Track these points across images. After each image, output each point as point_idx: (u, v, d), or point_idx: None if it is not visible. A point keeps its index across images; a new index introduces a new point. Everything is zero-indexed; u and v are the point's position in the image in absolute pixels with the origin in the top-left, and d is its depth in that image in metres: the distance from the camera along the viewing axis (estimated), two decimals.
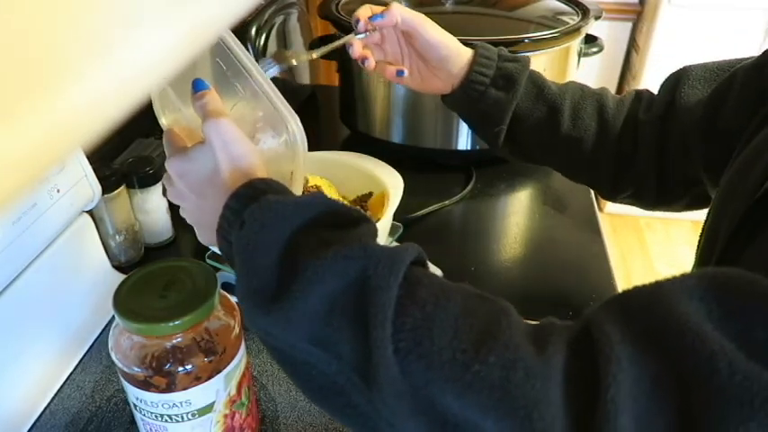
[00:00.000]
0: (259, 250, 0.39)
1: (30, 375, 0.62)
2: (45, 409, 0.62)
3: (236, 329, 0.51)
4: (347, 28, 0.95)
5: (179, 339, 0.47)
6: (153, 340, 0.47)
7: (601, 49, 1.05)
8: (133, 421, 0.56)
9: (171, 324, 0.46)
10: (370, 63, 0.65)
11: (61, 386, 0.64)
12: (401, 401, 0.34)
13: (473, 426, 0.32)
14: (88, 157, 0.70)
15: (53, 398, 0.63)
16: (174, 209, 0.84)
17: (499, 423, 0.32)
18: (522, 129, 0.67)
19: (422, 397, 0.33)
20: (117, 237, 0.78)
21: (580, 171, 0.70)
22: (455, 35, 0.93)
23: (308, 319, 0.36)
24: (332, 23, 0.99)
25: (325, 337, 0.36)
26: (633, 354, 0.31)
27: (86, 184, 0.69)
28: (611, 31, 2.25)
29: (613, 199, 0.70)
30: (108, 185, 0.73)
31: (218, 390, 0.49)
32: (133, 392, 0.49)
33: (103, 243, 0.76)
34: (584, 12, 0.98)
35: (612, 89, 2.45)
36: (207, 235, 0.50)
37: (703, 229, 0.52)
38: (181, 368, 0.47)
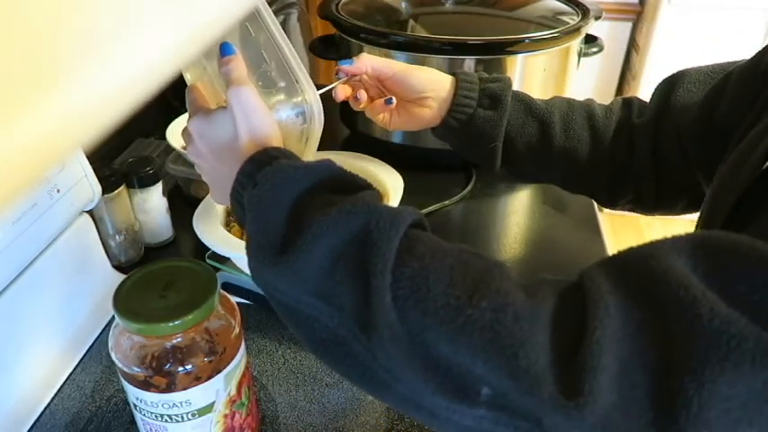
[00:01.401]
0: (269, 208, 0.42)
1: (30, 375, 0.62)
2: (45, 409, 0.62)
3: (236, 329, 0.51)
4: (347, 28, 0.95)
5: (179, 339, 0.47)
6: (153, 340, 0.47)
7: (601, 49, 1.05)
8: (133, 421, 0.56)
9: (171, 324, 0.46)
10: (362, 96, 0.66)
11: (61, 386, 0.64)
12: (398, 348, 0.35)
13: (464, 369, 0.34)
14: (88, 157, 0.70)
15: (53, 398, 0.63)
16: (174, 209, 0.84)
17: (488, 364, 0.33)
18: (515, 148, 0.67)
19: (418, 343, 0.35)
20: (117, 237, 0.78)
21: (577, 182, 0.71)
22: (455, 35, 0.92)
23: (313, 272, 0.38)
24: (332, 23, 0.99)
25: (329, 290, 0.38)
26: (621, 302, 0.33)
27: (86, 184, 0.69)
28: (611, 31, 2.25)
29: (613, 206, 0.71)
30: (108, 185, 0.74)
31: (218, 390, 0.50)
32: (133, 392, 0.49)
33: (103, 243, 0.76)
34: (585, 12, 0.98)
35: (612, 89, 2.45)
36: (219, 195, 0.53)
37: (698, 223, 0.53)
38: (181, 368, 0.47)
